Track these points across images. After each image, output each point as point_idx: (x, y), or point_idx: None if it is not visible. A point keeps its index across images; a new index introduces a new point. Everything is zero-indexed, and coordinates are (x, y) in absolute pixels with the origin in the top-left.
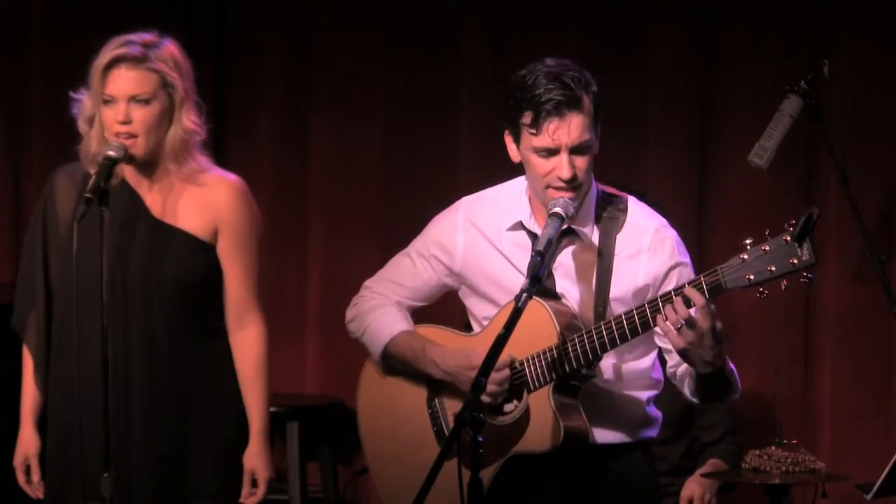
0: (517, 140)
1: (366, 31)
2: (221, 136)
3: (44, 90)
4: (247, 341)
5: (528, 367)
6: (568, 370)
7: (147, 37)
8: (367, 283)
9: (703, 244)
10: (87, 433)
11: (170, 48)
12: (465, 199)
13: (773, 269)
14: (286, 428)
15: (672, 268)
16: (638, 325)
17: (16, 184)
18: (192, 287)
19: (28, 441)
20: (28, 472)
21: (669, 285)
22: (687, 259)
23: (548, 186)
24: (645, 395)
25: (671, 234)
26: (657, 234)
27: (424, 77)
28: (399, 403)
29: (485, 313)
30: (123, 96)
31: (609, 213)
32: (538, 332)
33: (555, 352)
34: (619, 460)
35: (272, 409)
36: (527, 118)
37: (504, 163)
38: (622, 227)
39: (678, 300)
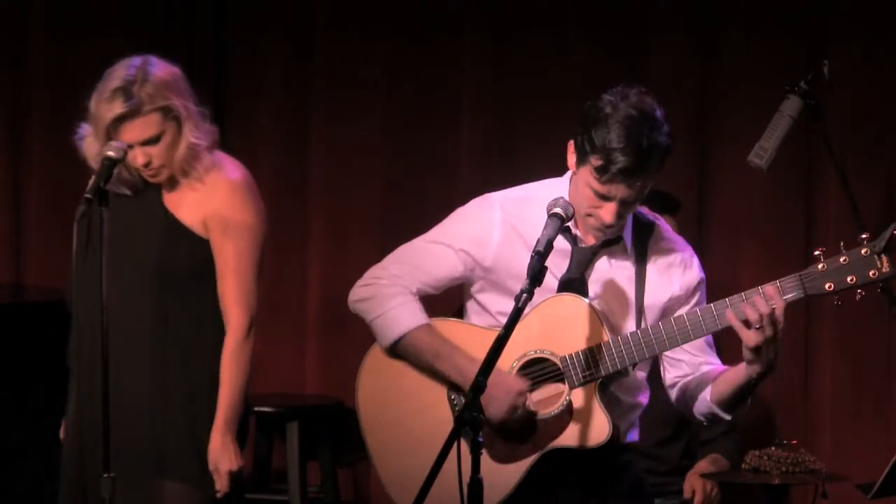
0: (578, 163)
1: (366, 32)
2: (221, 137)
3: (44, 90)
4: (227, 337)
5: (571, 362)
6: (620, 368)
7: (132, 72)
8: (384, 263)
9: (702, 244)
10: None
11: (159, 75)
12: (499, 197)
13: (853, 279)
14: (286, 428)
15: (700, 282)
16: (704, 326)
17: (16, 185)
18: (194, 278)
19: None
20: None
21: (694, 297)
22: (704, 276)
23: (589, 215)
24: (644, 399)
25: (693, 252)
26: (686, 250)
27: (424, 77)
28: (412, 394)
29: (502, 308)
30: (136, 143)
31: (642, 223)
32: (582, 330)
33: (603, 350)
34: (626, 458)
35: (271, 409)
36: (596, 161)
37: (504, 162)
38: (653, 236)
39: (759, 299)
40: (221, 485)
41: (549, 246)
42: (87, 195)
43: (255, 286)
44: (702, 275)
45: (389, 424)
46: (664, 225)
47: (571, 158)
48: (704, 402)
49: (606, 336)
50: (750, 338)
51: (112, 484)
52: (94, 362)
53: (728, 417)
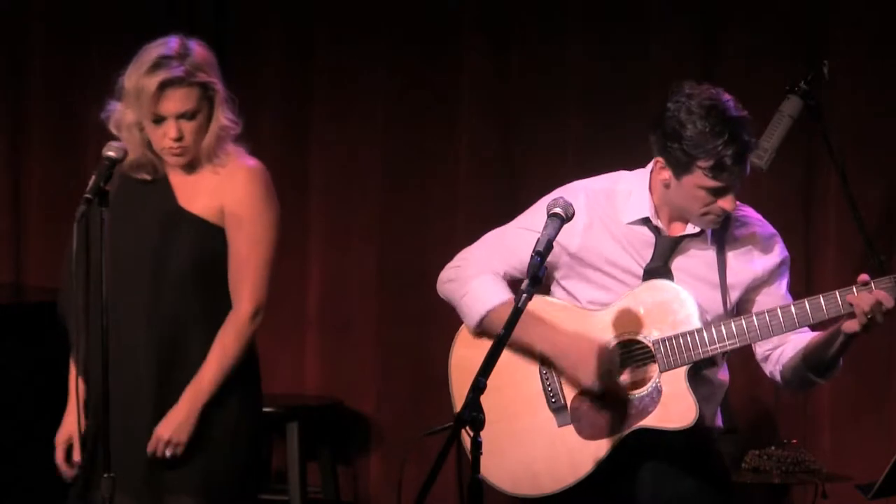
0: (680, 173)
1: (366, 31)
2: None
3: (44, 91)
4: (227, 320)
5: (663, 346)
6: (712, 355)
7: (174, 45)
8: (473, 246)
9: None
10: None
11: (199, 52)
12: (583, 185)
13: None
14: (286, 428)
15: (782, 262)
16: (810, 315)
17: (16, 185)
18: (204, 270)
19: (73, 421)
20: (69, 451)
21: (777, 278)
22: (788, 254)
23: (706, 213)
24: (726, 377)
25: (775, 231)
26: (766, 231)
27: (424, 77)
28: (503, 367)
29: (590, 297)
30: (173, 115)
31: None
32: (676, 315)
33: (696, 337)
34: (711, 444)
35: (271, 409)
36: (705, 163)
37: (504, 162)
38: (733, 222)
39: (867, 295)
40: (152, 446)
41: (548, 246)
42: (87, 195)
43: (268, 277)
44: (784, 254)
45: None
46: (747, 210)
47: (665, 174)
48: (798, 369)
49: (699, 323)
50: (854, 328)
51: (112, 484)
52: (113, 363)
53: (822, 381)
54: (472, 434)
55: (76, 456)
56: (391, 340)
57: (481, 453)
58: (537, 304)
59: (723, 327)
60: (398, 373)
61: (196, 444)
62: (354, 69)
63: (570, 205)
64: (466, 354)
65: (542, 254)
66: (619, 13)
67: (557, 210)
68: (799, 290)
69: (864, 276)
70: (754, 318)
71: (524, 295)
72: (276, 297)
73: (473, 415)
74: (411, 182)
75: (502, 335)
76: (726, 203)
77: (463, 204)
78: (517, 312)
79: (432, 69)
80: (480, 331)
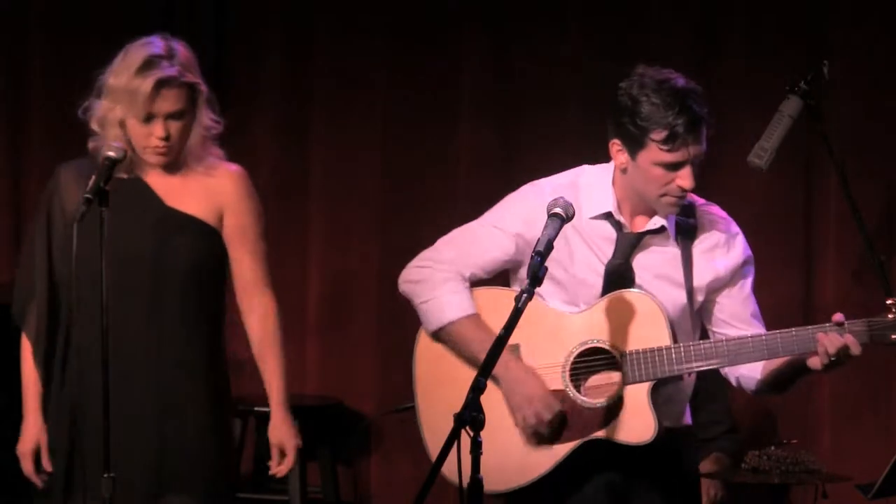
0: (635, 150)
1: (366, 32)
2: (220, 136)
3: (44, 90)
4: (260, 319)
5: (631, 359)
6: (678, 374)
7: (161, 45)
8: (438, 247)
9: None
10: (88, 422)
11: (183, 52)
12: (548, 183)
13: None
14: None
15: (744, 262)
16: (780, 349)
17: (16, 185)
18: (200, 270)
19: (38, 428)
20: (37, 459)
21: (739, 278)
22: (751, 253)
23: (664, 195)
24: (693, 378)
25: (739, 230)
26: (730, 230)
27: (424, 77)
28: (471, 364)
29: (551, 293)
30: (163, 114)
31: (684, 208)
32: (648, 329)
33: (664, 354)
34: (677, 445)
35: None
36: (658, 135)
37: (503, 162)
38: (697, 220)
39: (836, 338)
40: (289, 463)
41: (549, 246)
42: (87, 195)
43: (268, 268)
44: (747, 254)
45: (442, 382)
46: (712, 208)
47: (622, 157)
48: (756, 382)
49: (669, 340)
50: (818, 366)
51: (112, 484)
52: (112, 363)
53: (774, 394)
54: (471, 434)
55: (46, 465)
56: (391, 340)
57: (481, 453)
58: (502, 294)
59: (692, 349)
60: (398, 373)
61: (191, 446)
62: (354, 69)
63: (570, 205)
64: (432, 348)
65: (542, 254)
66: (618, 13)
67: (557, 210)
68: (799, 290)
69: (838, 316)
70: (725, 343)
71: (524, 295)
72: (277, 297)
73: (473, 415)
74: (411, 182)
75: (502, 335)
76: (683, 180)
77: (463, 203)
78: (517, 312)
79: (432, 69)
80: (436, 338)
